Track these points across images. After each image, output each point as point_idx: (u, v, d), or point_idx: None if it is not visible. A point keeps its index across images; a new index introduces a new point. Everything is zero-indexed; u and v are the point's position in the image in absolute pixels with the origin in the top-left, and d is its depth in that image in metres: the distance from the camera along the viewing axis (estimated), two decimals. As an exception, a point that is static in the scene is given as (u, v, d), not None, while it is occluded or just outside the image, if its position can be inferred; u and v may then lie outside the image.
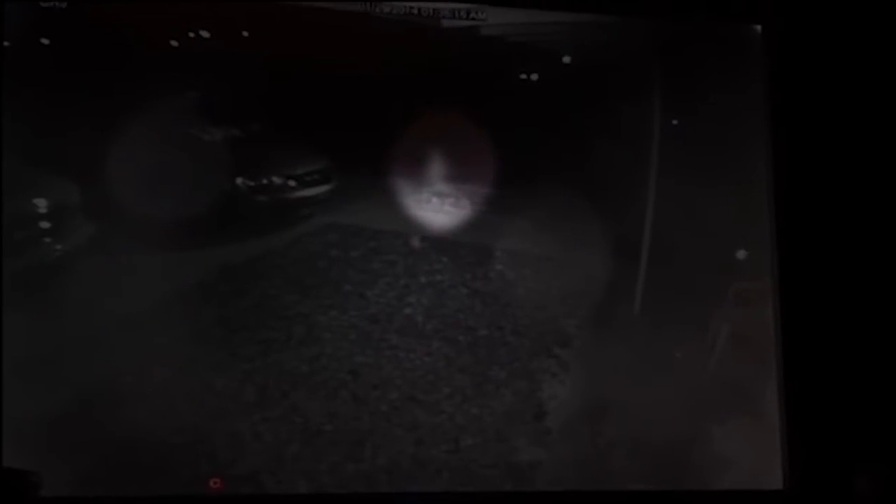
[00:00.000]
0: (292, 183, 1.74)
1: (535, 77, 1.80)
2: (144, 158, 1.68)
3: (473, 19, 1.79)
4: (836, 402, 1.75)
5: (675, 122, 1.82)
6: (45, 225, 1.66)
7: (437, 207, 1.75)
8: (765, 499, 1.76)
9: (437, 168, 1.76)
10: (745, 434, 1.76)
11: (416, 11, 1.78)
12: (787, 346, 1.77)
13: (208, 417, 1.65)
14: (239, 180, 1.72)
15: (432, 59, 1.78)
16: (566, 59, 1.81)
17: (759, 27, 1.86)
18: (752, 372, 1.78)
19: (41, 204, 1.66)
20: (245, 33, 1.73)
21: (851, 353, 1.76)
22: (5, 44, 1.66)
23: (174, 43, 1.71)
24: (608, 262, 1.78)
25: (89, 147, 1.67)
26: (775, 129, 1.82)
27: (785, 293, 1.78)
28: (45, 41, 1.68)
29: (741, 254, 1.81)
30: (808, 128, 1.81)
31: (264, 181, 1.73)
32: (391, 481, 1.68)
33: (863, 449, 1.71)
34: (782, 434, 1.76)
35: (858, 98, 1.82)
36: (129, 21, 1.70)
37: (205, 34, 1.72)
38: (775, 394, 1.77)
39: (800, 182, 1.80)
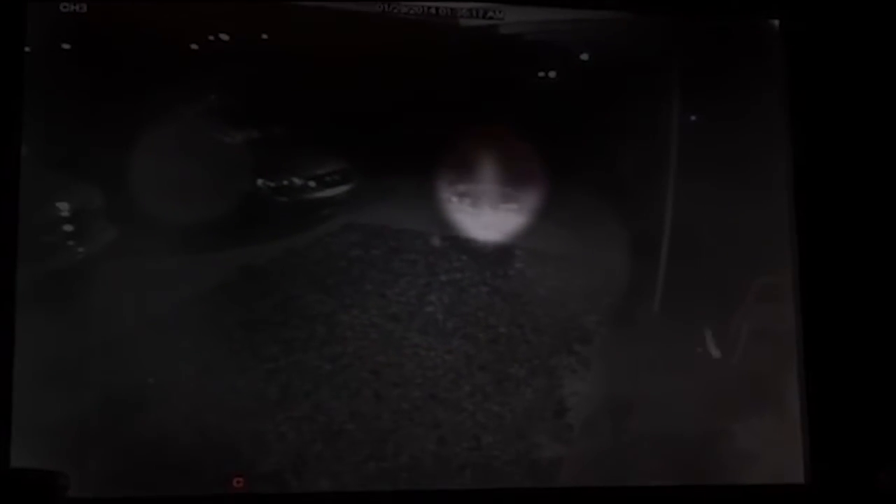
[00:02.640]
0: (312, 184, 1.74)
1: (553, 75, 1.80)
2: (166, 161, 1.69)
3: (491, 18, 1.79)
4: (858, 397, 1.74)
5: (693, 118, 1.82)
6: (68, 228, 1.67)
7: (456, 206, 1.76)
8: (786, 493, 1.76)
9: (456, 167, 1.76)
10: (767, 429, 1.76)
11: (433, 11, 1.78)
12: (809, 341, 1.77)
13: (231, 417, 1.67)
14: (259, 182, 1.73)
15: (450, 59, 1.78)
16: (584, 57, 1.81)
17: (776, 22, 1.86)
18: (774, 367, 1.78)
19: (64, 208, 1.67)
20: (264, 35, 1.74)
21: (873, 348, 1.76)
22: (26, 49, 1.67)
23: (194, 46, 1.72)
24: (628, 259, 1.78)
25: (111, 150, 1.68)
26: (795, 125, 1.82)
27: (806, 289, 1.78)
28: (66, 46, 1.69)
29: (762, 250, 1.81)
30: (828, 123, 1.81)
31: (285, 182, 1.74)
32: (413, 479, 1.69)
33: (885, 444, 1.71)
34: (804, 429, 1.76)
35: (878, 93, 1.81)
36: (148, 25, 1.71)
37: (224, 37, 1.73)
38: (797, 389, 1.77)
39: (820, 177, 1.80)
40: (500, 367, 1.74)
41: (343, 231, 1.73)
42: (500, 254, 1.76)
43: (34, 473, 1.41)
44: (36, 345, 1.63)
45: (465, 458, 1.71)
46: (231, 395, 1.67)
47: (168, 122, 1.70)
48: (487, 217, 1.76)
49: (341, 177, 1.74)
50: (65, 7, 1.69)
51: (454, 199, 1.75)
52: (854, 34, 1.81)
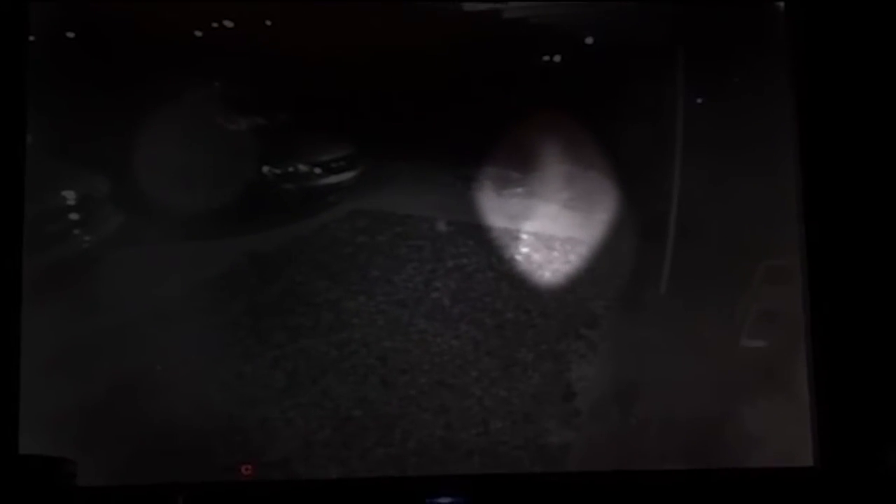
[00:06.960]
0: (318, 170, 1.74)
1: (557, 59, 1.79)
2: (171, 149, 1.70)
3: (495, 2, 1.79)
4: (866, 379, 1.74)
5: (699, 101, 1.81)
6: (74, 217, 1.68)
7: (462, 191, 1.75)
8: (795, 476, 1.75)
9: (461, 152, 1.76)
10: (776, 412, 1.75)
11: (438, -4, 1.79)
12: (817, 323, 1.76)
13: (239, 404, 1.67)
14: (265, 169, 1.73)
15: (455, 44, 1.78)
16: (589, 41, 1.80)
17: (781, 4, 1.85)
18: (782, 350, 1.77)
19: (70, 196, 1.68)
20: (268, 22, 1.74)
21: (882, 329, 1.76)
22: (31, 38, 1.68)
23: (198, 33, 1.72)
24: (634, 242, 1.77)
25: (116, 138, 1.69)
26: (800, 106, 1.81)
27: (814, 271, 1.78)
28: (71, 34, 1.70)
29: (769, 231, 1.80)
30: (834, 104, 1.80)
31: (290, 169, 1.74)
32: (421, 465, 1.70)
33: (894, 425, 1.70)
34: (812, 411, 1.75)
35: (884, 75, 1.81)
36: (152, 12, 1.71)
37: (228, 24, 1.73)
38: (805, 371, 1.76)
39: (827, 159, 1.79)
40: (507, 353, 1.74)
41: (349, 217, 1.73)
42: (506, 238, 1.76)
43: (42, 460, 1.41)
44: (43, 333, 1.64)
45: (474, 443, 1.71)
46: (238, 381, 1.68)
47: (173, 110, 1.70)
48: (493, 201, 1.76)
49: (347, 163, 1.74)
50: (68, -4, 1.70)
51: (459, 183, 1.75)
52: (859, 16, 1.80)
